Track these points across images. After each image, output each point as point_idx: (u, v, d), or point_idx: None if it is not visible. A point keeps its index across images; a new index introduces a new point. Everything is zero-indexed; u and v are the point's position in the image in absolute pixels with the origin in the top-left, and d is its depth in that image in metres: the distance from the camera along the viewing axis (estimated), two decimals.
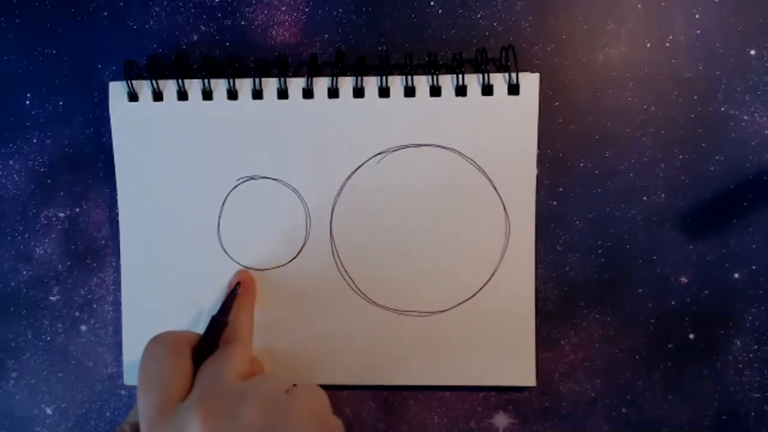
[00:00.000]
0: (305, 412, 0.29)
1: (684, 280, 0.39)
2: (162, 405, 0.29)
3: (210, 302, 0.39)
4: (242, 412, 0.28)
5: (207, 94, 0.39)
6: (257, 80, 0.38)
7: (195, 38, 0.40)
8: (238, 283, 0.38)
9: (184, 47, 0.40)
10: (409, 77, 0.38)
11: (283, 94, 0.39)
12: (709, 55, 0.39)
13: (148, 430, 0.29)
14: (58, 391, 0.41)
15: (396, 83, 0.38)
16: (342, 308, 0.39)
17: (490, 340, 0.39)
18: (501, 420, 0.40)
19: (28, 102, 0.41)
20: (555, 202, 0.39)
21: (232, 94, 0.39)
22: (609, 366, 0.40)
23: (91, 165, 0.41)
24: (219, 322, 0.34)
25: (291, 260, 0.39)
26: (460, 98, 0.38)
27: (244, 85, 0.39)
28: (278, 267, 0.39)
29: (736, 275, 0.39)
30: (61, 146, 0.41)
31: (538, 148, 0.38)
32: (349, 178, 0.39)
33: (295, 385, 0.31)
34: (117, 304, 0.41)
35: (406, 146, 0.39)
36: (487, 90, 0.38)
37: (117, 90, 0.39)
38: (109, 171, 0.40)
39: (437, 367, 0.39)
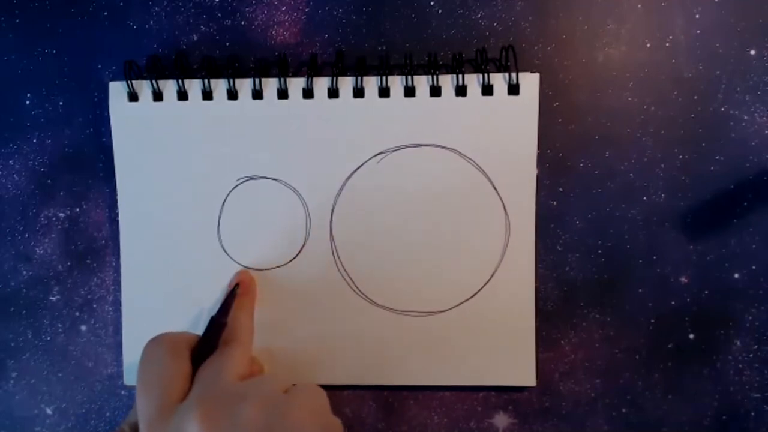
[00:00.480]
0: (305, 412, 0.29)
1: (684, 280, 0.39)
2: (161, 406, 0.29)
3: (210, 302, 0.39)
4: (241, 412, 0.28)
5: (207, 94, 0.39)
6: (257, 80, 0.38)
7: (195, 38, 0.40)
8: (237, 284, 0.38)
9: (184, 47, 0.40)
10: (409, 77, 0.38)
11: (283, 94, 0.39)
12: (709, 55, 0.39)
13: (148, 431, 0.29)
14: (58, 391, 0.41)
15: (396, 83, 0.38)
16: (342, 308, 0.39)
17: (490, 340, 0.39)
18: (501, 420, 0.40)
19: (28, 102, 0.41)
20: (555, 202, 0.39)
21: (232, 94, 0.39)
22: (609, 366, 0.40)
23: (91, 165, 0.41)
24: (218, 323, 0.34)
25: (291, 260, 0.39)
26: (460, 98, 0.38)
27: (244, 85, 0.39)
28: (278, 267, 0.39)
29: (736, 275, 0.39)
30: (61, 146, 0.41)
31: (538, 148, 0.38)
32: (349, 178, 0.39)
33: (294, 385, 0.31)
34: (117, 304, 0.41)
35: (406, 146, 0.39)
36: (487, 90, 0.38)
37: (117, 90, 0.39)
38: (109, 171, 0.40)
39: (437, 367, 0.39)
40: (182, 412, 0.28)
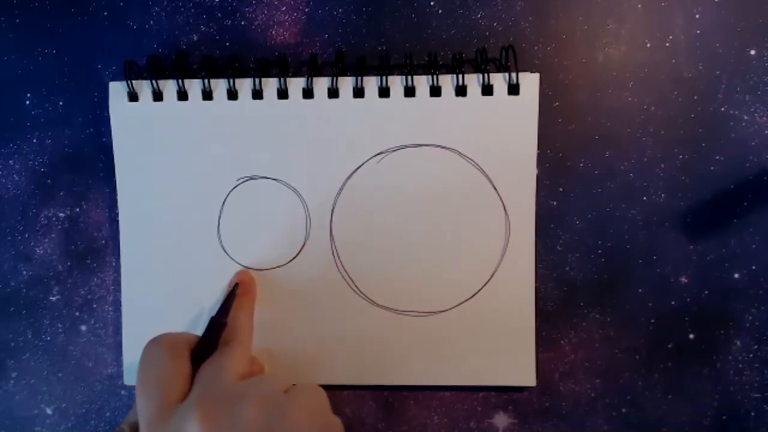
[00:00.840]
0: (304, 411, 0.29)
1: (684, 280, 0.39)
2: (161, 406, 0.29)
3: (210, 302, 0.39)
4: (241, 412, 0.28)
5: (207, 94, 0.39)
6: (257, 80, 0.38)
7: (195, 38, 0.40)
8: (237, 284, 0.38)
9: (184, 47, 0.40)
10: (409, 77, 0.38)
11: (283, 94, 0.39)
12: (709, 55, 0.39)
13: (147, 431, 0.29)
14: (58, 391, 0.41)
15: (396, 83, 0.38)
16: (342, 308, 0.39)
17: (490, 340, 0.39)
18: (501, 420, 0.40)
19: (28, 102, 0.41)
20: (555, 202, 0.39)
21: (232, 94, 0.39)
22: (609, 366, 0.40)
23: (91, 165, 0.41)
24: (217, 323, 0.34)
25: (291, 260, 0.39)
26: (460, 98, 0.38)
27: (244, 85, 0.39)
28: (278, 267, 0.39)
29: (736, 275, 0.39)
30: (61, 146, 0.41)
31: (538, 148, 0.38)
32: (349, 178, 0.39)
33: (294, 384, 0.31)
34: (117, 304, 0.41)
35: (406, 146, 0.39)
36: (487, 90, 0.38)
37: (117, 90, 0.39)
38: (109, 171, 0.40)
39: (437, 367, 0.39)
40: (182, 412, 0.28)
